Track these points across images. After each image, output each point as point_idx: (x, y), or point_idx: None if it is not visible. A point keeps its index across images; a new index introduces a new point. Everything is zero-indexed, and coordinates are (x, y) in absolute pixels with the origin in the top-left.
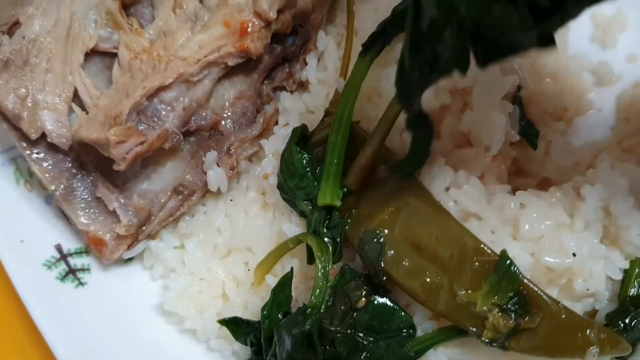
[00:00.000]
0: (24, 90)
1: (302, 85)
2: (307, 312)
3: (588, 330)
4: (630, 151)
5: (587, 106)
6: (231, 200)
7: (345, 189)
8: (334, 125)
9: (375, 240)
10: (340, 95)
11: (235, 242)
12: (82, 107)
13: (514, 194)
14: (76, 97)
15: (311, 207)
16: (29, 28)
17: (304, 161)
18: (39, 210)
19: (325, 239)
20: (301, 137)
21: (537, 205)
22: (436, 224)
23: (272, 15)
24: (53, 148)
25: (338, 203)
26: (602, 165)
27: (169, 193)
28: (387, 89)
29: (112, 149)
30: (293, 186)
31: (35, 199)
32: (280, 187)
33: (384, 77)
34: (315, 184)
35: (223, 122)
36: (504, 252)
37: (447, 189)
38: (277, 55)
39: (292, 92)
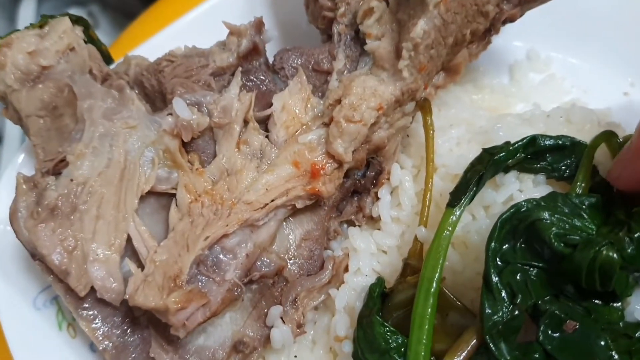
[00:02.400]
0: (71, 240)
1: (372, 219)
2: None
3: None
4: None
5: None
6: (295, 357)
7: None
8: (420, 293)
9: None
10: (426, 255)
11: None
12: (134, 253)
13: None
14: (129, 243)
15: None
16: (77, 169)
17: (387, 336)
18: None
19: None
20: (379, 296)
21: None
22: None
23: (348, 157)
24: (102, 301)
25: None
26: None
27: (228, 350)
28: (475, 241)
29: (172, 316)
30: None
31: (79, 346)
32: (356, 357)
33: (472, 228)
34: None
35: (288, 268)
36: None
37: None
38: (347, 189)
39: (360, 226)
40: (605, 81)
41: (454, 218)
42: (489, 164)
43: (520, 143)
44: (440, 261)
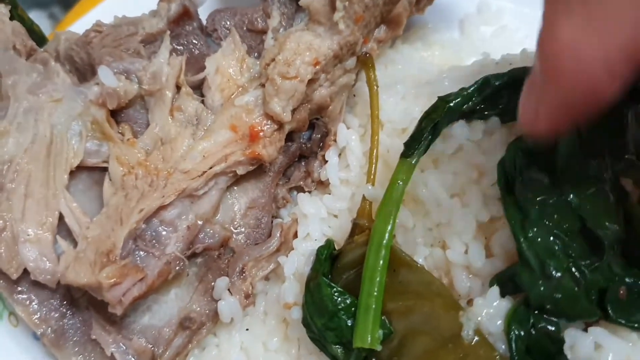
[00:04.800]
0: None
1: (322, 184)
2: None
3: None
4: None
5: None
6: (247, 329)
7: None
8: (371, 246)
9: None
10: (378, 208)
11: None
12: (69, 233)
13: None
14: (62, 221)
15: (344, 353)
16: (2, 147)
17: (335, 297)
18: (27, 349)
19: None
20: (327, 259)
21: (615, 345)
22: None
23: (287, 117)
24: (38, 284)
25: (378, 347)
26: None
27: (175, 328)
28: (425, 196)
29: (106, 292)
30: (321, 325)
31: (22, 335)
32: (305, 323)
33: (421, 182)
34: (349, 323)
35: (234, 238)
36: None
37: None
38: (293, 154)
39: (310, 192)
40: None
41: (407, 169)
42: (444, 111)
43: (474, 87)
44: (393, 213)
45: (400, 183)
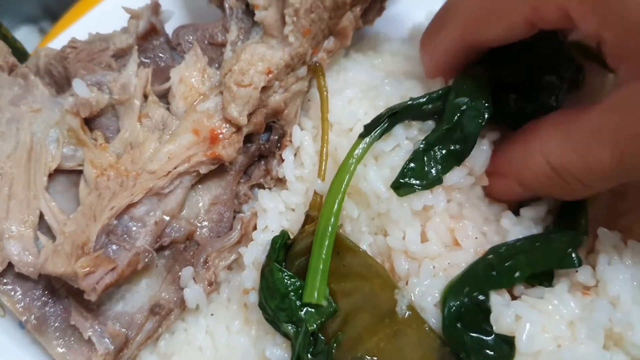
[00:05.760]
0: None
1: (280, 181)
2: None
3: None
4: (629, 230)
5: None
6: (212, 314)
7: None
8: (322, 215)
9: None
10: (331, 183)
11: None
12: (49, 230)
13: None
14: (42, 219)
15: (295, 331)
16: None
17: (286, 280)
18: (13, 337)
19: None
20: (281, 248)
21: (533, 316)
22: (428, 351)
23: (243, 120)
24: (21, 276)
25: (324, 302)
26: (602, 261)
27: (146, 314)
28: (366, 188)
29: (81, 281)
30: (274, 307)
31: (9, 325)
32: (261, 306)
33: (362, 176)
34: (298, 304)
35: (198, 232)
36: None
37: None
38: (252, 154)
39: (270, 188)
40: None
41: (359, 151)
42: (405, 106)
43: (439, 92)
44: (344, 184)
45: (353, 161)
